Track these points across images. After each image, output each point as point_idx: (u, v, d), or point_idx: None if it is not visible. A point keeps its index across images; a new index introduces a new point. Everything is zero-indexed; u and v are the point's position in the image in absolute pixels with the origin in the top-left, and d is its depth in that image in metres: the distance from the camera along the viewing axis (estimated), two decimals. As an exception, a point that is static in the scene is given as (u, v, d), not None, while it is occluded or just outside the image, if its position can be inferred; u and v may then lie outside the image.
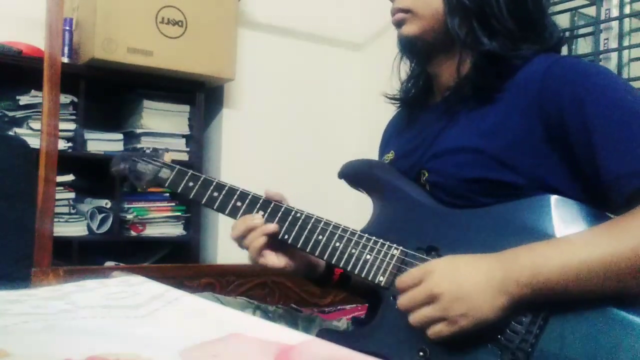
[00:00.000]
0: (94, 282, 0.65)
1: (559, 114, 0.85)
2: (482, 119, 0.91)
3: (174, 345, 0.44)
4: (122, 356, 0.41)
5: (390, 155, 1.07)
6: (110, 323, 0.51)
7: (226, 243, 2.35)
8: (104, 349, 0.42)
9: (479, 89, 0.93)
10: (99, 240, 2.14)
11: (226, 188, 1.01)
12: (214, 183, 1.02)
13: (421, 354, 0.83)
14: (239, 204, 1.00)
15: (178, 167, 1.06)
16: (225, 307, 0.73)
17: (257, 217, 0.98)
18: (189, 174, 1.04)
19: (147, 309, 0.55)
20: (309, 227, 0.96)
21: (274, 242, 0.98)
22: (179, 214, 2.29)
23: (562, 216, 0.83)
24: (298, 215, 0.97)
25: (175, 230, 2.28)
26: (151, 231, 2.23)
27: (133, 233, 2.19)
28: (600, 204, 0.84)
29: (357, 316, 1.41)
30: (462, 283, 0.78)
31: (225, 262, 2.27)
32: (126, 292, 0.62)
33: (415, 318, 0.80)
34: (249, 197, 1.00)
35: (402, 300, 0.82)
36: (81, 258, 2.03)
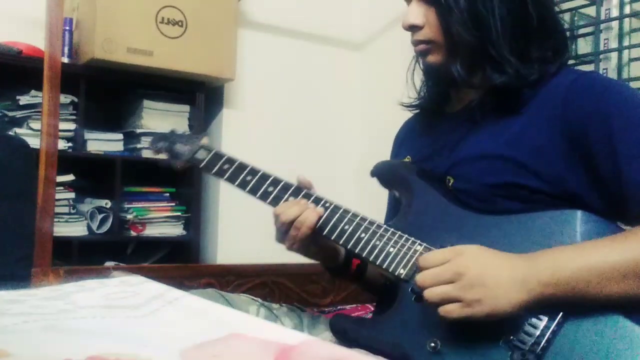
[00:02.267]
0: (94, 282, 0.65)
1: (583, 126, 0.87)
2: (505, 129, 0.94)
3: (174, 345, 0.44)
4: (121, 356, 0.41)
5: (406, 160, 1.08)
6: (110, 323, 0.50)
7: (226, 243, 2.36)
8: (104, 349, 0.42)
9: (500, 106, 0.96)
10: (99, 240, 2.14)
11: (260, 173, 1.05)
12: (249, 168, 1.05)
13: (432, 344, 0.85)
14: (270, 189, 1.03)
15: (215, 149, 1.10)
16: (225, 307, 0.73)
17: (302, 200, 1.00)
18: (225, 157, 1.08)
19: (147, 309, 0.55)
20: (336, 216, 0.98)
21: None
22: (179, 214, 2.28)
23: (587, 232, 0.85)
24: (327, 204, 1.00)
25: (175, 230, 2.28)
26: (151, 231, 2.23)
27: (133, 233, 2.19)
28: (618, 212, 0.87)
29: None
30: (486, 271, 0.79)
31: (225, 262, 2.27)
32: (126, 292, 0.62)
33: (431, 293, 0.80)
34: (281, 183, 1.03)
35: (425, 277, 0.81)
36: (81, 258, 2.02)
